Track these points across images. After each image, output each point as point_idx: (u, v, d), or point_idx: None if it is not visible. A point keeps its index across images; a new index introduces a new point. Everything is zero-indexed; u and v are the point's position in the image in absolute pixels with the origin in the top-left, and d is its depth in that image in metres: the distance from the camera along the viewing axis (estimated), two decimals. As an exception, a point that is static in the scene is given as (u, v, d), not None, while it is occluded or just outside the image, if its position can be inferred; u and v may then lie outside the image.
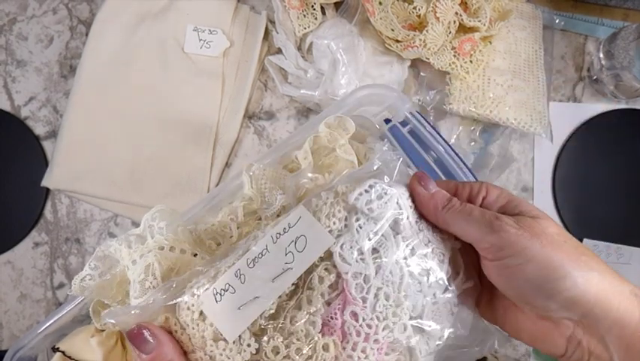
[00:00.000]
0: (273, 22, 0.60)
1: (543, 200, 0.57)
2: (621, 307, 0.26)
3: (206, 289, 0.30)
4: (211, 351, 0.29)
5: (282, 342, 0.29)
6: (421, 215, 0.32)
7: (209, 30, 0.59)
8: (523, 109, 0.55)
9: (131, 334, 0.29)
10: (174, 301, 0.30)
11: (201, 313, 0.30)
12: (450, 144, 0.43)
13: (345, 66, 0.53)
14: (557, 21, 0.59)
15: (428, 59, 0.53)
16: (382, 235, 0.30)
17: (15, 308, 0.58)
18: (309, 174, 0.36)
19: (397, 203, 0.31)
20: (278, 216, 0.36)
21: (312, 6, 0.57)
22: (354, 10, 0.57)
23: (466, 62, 0.54)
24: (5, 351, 0.39)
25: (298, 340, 0.29)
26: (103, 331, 0.37)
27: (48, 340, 0.39)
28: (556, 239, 0.27)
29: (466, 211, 0.29)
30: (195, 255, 0.34)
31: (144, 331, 0.29)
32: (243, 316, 0.29)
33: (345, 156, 0.38)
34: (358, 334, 0.29)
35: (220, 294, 0.29)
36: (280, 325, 0.30)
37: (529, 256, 0.26)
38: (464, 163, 0.42)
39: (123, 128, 0.58)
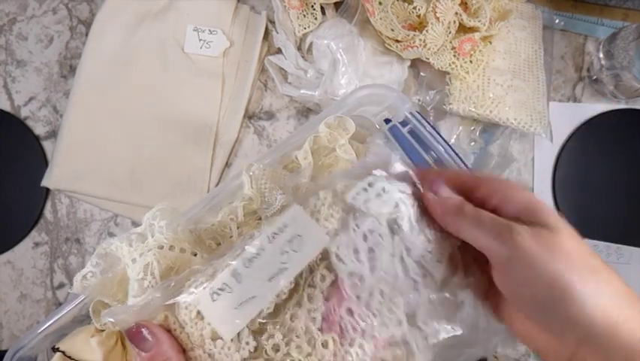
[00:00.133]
0: (272, 22, 0.60)
1: (543, 200, 0.57)
2: (631, 334, 0.24)
3: (204, 288, 0.30)
4: (210, 349, 0.30)
5: (282, 340, 0.29)
6: (424, 213, 0.31)
7: (209, 30, 0.59)
8: (523, 109, 0.55)
9: (130, 332, 0.30)
10: (172, 301, 0.30)
11: (199, 312, 0.30)
12: (450, 144, 0.43)
13: (345, 66, 0.53)
14: (557, 21, 0.59)
15: (428, 59, 0.53)
16: (379, 235, 0.30)
17: (15, 308, 0.58)
18: (309, 173, 0.36)
19: (397, 202, 0.30)
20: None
21: (312, 6, 0.57)
22: (354, 10, 0.57)
23: (466, 62, 0.54)
24: (5, 351, 0.39)
25: (298, 337, 0.29)
26: (103, 331, 0.37)
27: (48, 340, 0.39)
28: (571, 256, 0.25)
29: (477, 219, 0.28)
30: (195, 254, 0.35)
31: (143, 329, 0.30)
32: (240, 315, 0.29)
33: (345, 156, 0.38)
34: (355, 330, 0.29)
35: (217, 293, 0.30)
36: (280, 322, 0.30)
37: (538, 272, 0.25)
38: (464, 163, 0.42)
39: (123, 128, 0.58)
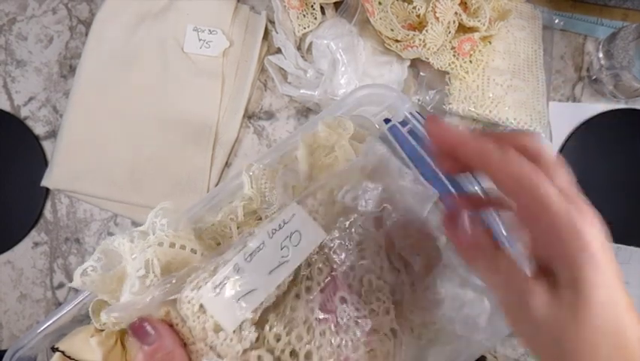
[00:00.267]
0: (272, 22, 0.60)
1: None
2: None
3: (206, 283, 0.31)
4: (212, 342, 0.31)
5: (283, 329, 0.31)
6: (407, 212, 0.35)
7: (209, 30, 0.59)
8: (522, 109, 0.55)
9: (133, 326, 0.31)
10: (174, 297, 0.32)
11: (201, 306, 0.31)
12: (449, 143, 0.43)
13: (345, 66, 0.53)
14: (557, 21, 0.59)
15: (428, 58, 0.53)
16: (367, 229, 0.33)
17: (15, 308, 0.58)
18: (306, 170, 0.37)
19: (379, 201, 0.34)
20: (277, 215, 0.37)
21: (312, 6, 0.57)
22: (354, 10, 0.57)
23: (465, 62, 0.54)
24: (5, 351, 0.39)
25: (298, 327, 0.31)
26: (102, 331, 0.37)
27: (48, 340, 0.39)
28: (596, 336, 0.21)
29: (494, 263, 0.25)
30: (195, 252, 0.35)
31: (145, 324, 0.31)
32: (241, 307, 0.31)
33: (345, 156, 0.38)
34: (349, 317, 0.32)
35: (219, 287, 0.31)
36: (280, 313, 0.32)
37: (551, 341, 0.21)
38: (464, 163, 0.42)
39: (123, 128, 0.58)
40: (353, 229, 0.33)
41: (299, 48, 0.58)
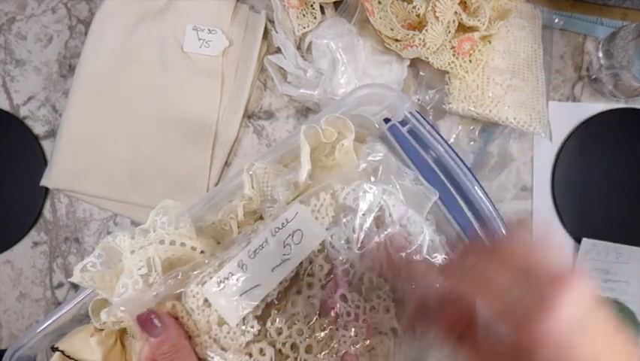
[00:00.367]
0: (272, 22, 0.60)
1: (542, 200, 0.57)
2: None
3: (211, 278, 0.32)
4: (215, 334, 0.32)
5: (285, 323, 0.32)
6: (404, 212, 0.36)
7: (209, 29, 0.59)
8: (522, 108, 0.55)
9: (140, 318, 0.32)
10: (179, 291, 0.33)
11: (206, 300, 0.32)
12: (449, 143, 0.43)
13: (345, 65, 0.53)
14: (556, 20, 0.59)
15: (427, 58, 0.53)
16: (367, 228, 0.34)
17: (14, 308, 0.57)
18: (308, 167, 0.37)
19: (379, 201, 0.35)
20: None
21: (312, 5, 0.57)
22: (354, 9, 0.57)
23: (465, 62, 0.54)
24: (4, 351, 0.39)
25: (299, 321, 0.33)
26: (102, 330, 0.37)
27: (47, 339, 0.39)
28: None
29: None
30: (195, 249, 0.36)
31: (153, 316, 0.32)
32: (244, 302, 0.32)
33: (346, 156, 0.38)
34: (349, 314, 0.33)
35: (223, 282, 0.32)
36: (282, 308, 0.33)
37: None
38: (463, 163, 0.42)
39: (122, 128, 0.58)
40: (353, 229, 0.34)
41: (298, 48, 0.58)
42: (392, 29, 0.53)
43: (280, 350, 0.33)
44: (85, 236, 0.58)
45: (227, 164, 0.59)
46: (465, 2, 0.53)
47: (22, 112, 0.61)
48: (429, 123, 0.43)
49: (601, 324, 0.23)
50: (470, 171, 0.42)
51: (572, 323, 0.22)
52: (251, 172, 0.40)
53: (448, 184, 0.41)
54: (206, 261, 0.34)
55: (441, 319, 0.28)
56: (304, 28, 0.57)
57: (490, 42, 0.56)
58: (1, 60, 0.62)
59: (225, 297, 0.32)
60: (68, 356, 0.37)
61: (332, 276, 0.34)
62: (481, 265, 0.25)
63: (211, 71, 0.59)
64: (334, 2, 0.58)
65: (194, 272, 0.33)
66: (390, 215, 0.35)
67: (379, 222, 0.35)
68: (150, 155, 0.57)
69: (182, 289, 0.33)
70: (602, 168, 0.58)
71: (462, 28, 0.53)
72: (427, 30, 0.51)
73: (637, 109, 0.58)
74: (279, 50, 0.58)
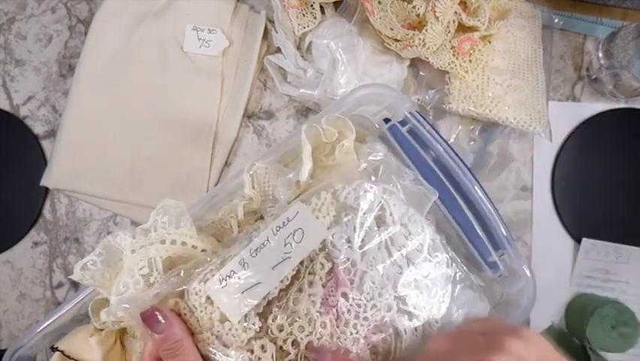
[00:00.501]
0: (272, 22, 0.60)
1: (542, 200, 0.57)
2: None
3: (213, 275, 0.33)
4: (218, 331, 0.33)
5: (286, 320, 0.33)
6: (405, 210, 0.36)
7: (209, 29, 0.59)
8: (522, 108, 0.55)
9: (144, 315, 0.32)
10: (182, 288, 0.33)
11: (208, 297, 0.33)
12: (449, 143, 0.43)
13: (345, 65, 0.53)
14: (556, 20, 0.59)
15: (427, 58, 0.53)
16: (367, 227, 0.35)
17: (14, 308, 0.57)
18: (310, 166, 0.37)
19: (380, 200, 0.35)
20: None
21: (312, 5, 0.57)
22: (354, 9, 0.57)
23: (465, 62, 0.54)
24: (4, 350, 0.39)
25: (300, 318, 0.33)
26: (102, 330, 0.37)
27: (47, 339, 0.39)
28: None
29: None
30: (196, 248, 0.36)
31: (156, 313, 0.32)
32: (246, 299, 0.33)
33: (346, 156, 0.38)
34: (349, 312, 0.33)
35: (225, 280, 0.33)
36: (284, 306, 0.34)
37: None
38: (463, 163, 0.42)
39: (122, 128, 0.58)
40: (354, 228, 0.34)
41: (298, 47, 0.58)
42: (392, 29, 0.53)
43: (281, 347, 0.33)
44: (85, 236, 0.58)
45: (227, 164, 0.59)
46: (465, 2, 0.53)
47: (22, 112, 0.61)
48: (429, 123, 0.43)
49: None
50: (470, 171, 0.42)
51: None
52: (251, 172, 0.40)
53: (447, 184, 0.41)
54: (208, 259, 0.35)
55: None
56: (304, 28, 0.57)
57: (490, 42, 0.56)
58: (1, 60, 0.62)
59: (227, 294, 0.32)
60: (68, 356, 0.37)
61: (333, 274, 0.34)
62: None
63: (211, 71, 0.59)
64: (334, 2, 0.58)
65: (197, 270, 0.34)
66: (391, 214, 0.35)
67: (380, 221, 0.36)
68: (150, 155, 0.57)
69: (185, 287, 0.33)
70: (602, 168, 0.58)
71: (462, 28, 0.53)
72: (426, 30, 0.51)
73: (637, 109, 0.58)
74: (279, 50, 0.58)
